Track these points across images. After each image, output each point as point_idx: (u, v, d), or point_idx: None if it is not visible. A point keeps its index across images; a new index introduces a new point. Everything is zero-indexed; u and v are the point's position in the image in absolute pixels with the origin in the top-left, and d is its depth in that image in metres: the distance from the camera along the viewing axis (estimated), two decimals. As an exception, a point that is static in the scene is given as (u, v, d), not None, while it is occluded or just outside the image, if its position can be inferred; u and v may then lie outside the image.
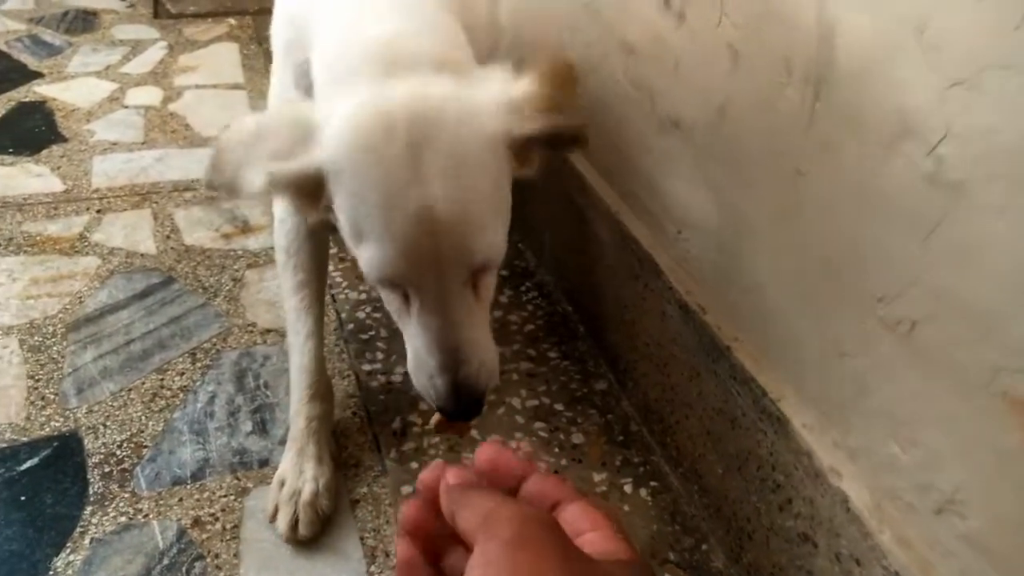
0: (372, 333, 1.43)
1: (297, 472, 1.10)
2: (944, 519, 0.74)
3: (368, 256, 0.81)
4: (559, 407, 1.30)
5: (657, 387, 1.22)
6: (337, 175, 0.80)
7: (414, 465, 1.19)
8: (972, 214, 0.66)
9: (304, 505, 1.06)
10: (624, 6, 1.21)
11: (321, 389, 1.18)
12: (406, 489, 1.15)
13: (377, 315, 1.47)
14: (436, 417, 1.00)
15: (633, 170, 1.25)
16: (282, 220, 1.25)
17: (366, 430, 1.24)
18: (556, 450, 1.23)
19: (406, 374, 0.88)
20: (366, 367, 1.36)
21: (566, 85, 0.86)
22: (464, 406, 0.87)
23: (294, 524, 1.06)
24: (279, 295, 1.30)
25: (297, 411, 1.15)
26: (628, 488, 1.18)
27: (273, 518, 1.08)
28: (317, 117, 0.83)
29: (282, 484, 1.09)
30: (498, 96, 0.83)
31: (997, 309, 0.65)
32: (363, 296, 1.52)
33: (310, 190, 0.83)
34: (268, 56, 2.49)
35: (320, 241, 1.26)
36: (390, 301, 0.88)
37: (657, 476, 1.20)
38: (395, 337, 1.42)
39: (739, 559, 1.05)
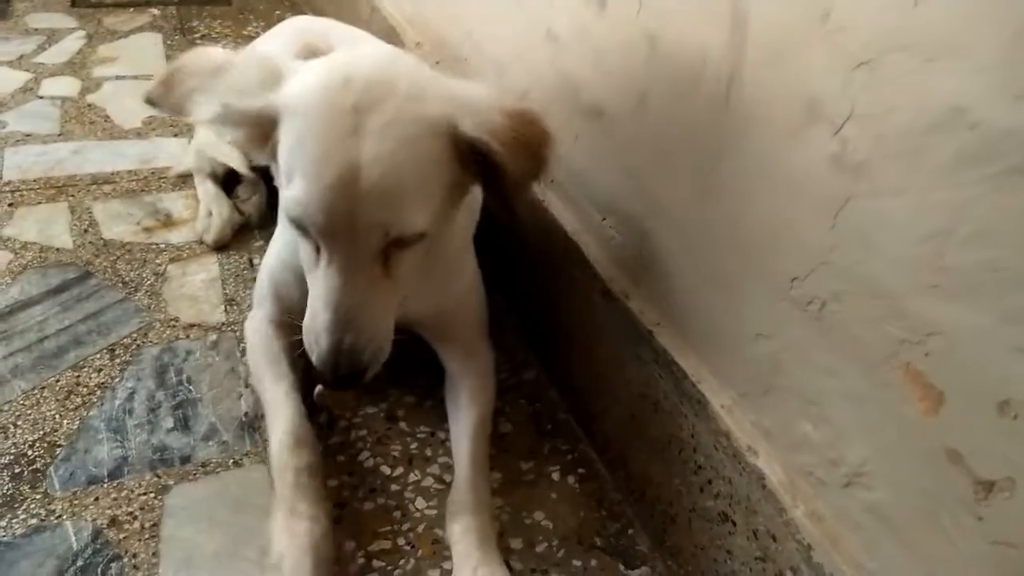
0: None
1: (291, 539, 0.96)
2: (851, 492, 0.76)
3: (291, 195, 0.84)
4: (488, 397, 1.30)
5: (583, 375, 1.23)
6: (288, 116, 0.86)
7: (341, 459, 1.17)
8: (873, 194, 0.69)
9: None
10: (548, -4, 1.21)
11: (307, 437, 1.07)
12: (332, 483, 1.13)
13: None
14: (320, 387, 1.01)
15: (560, 159, 1.25)
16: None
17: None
18: (485, 440, 1.23)
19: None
20: (292, 361, 1.33)
21: (533, 140, 0.91)
22: (343, 374, 0.88)
23: None
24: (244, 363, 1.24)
25: (283, 464, 1.03)
26: (556, 476, 1.18)
27: None
28: (287, 68, 0.90)
29: (281, 557, 0.95)
30: (460, 94, 0.89)
31: (897, 285, 0.68)
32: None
33: (261, 130, 0.89)
34: (192, 47, 2.43)
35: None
36: (304, 249, 0.90)
37: (584, 463, 1.21)
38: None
39: (663, 542, 1.06)
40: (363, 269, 0.86)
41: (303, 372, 1.16)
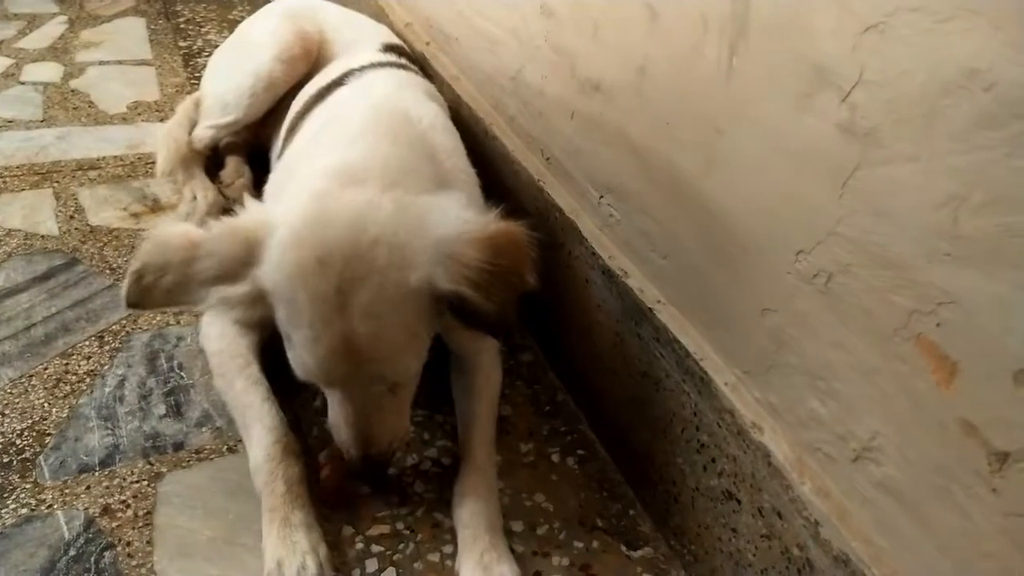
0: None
1: (291, 548, 0.95)
2: (861, 467, 0.75)
3: (295, 360, 0.92)
4: (486, 380, 1.28)
5: (582, 356, 1.21)
6: (276, 296, 0.89)
7: (337, 443, 1.15)
8: (884, 161, 0.67)
9: None
10: (542, -30, 1.19)
11: (292, 445, 1.06)
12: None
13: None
14: (325, 472, 1.07)
15: (556, 136, 1.23)
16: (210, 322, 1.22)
17: (287, 409, 1.20)
18: (483, 422, 1.21)
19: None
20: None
21: (508, 259, 0.89)
22: (372, 474, 1.00)
23: None
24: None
25: (272, 474, 1.01)
26: (556, 457, 1.17)
27: None
28: (260, 233, 0.90)
29: (280, 565, 0.94)
30: (437, 238, 0.88)
31: (908, 255, 0.66)
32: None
33: (256, 301, 0.94)
34: (177, 31, 2.40)
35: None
36: None
37: (584, 444, 1.19)
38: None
39: (666, 522, 1.05)
40: (373, 404, 0.94)
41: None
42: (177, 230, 0.92)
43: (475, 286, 0.87)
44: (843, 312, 0.74)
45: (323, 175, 0.96)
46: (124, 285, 0.90)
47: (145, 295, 0.90)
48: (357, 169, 0.95)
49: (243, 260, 0.89)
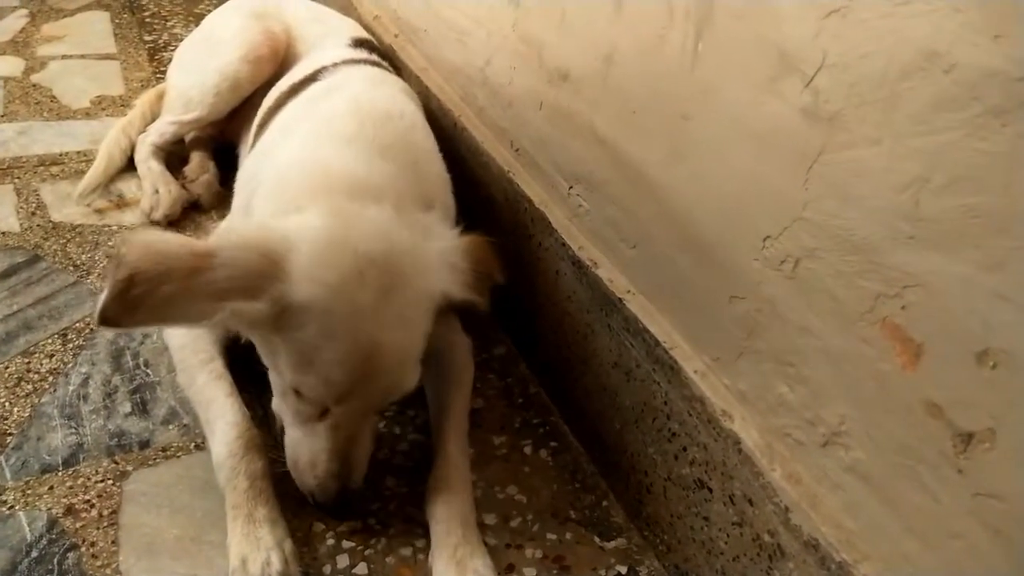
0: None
1: (255, 544, 0.94)
2: (830, 452, 0.75)
3: (314, 383, 0.90)
4: (458, 373, 1.27)
5: (553, 347, 1.21)
6: (309, 311, 0.87)
7: (307, 438, 1.14)
8: (848, 145, 0.67)
9: None
10: (509, -41, 1.18)
11: (256, 440, 1.03)
12: (299, 463, 1.10)
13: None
14: None
15: (525, 127, 1.23)
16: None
17: (255, 404, 1.18)
18: (455, 416, 1.20)
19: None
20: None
21: (485, 264, 1.02)
22: (346, 508, 1.00)
23: None
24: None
25: (234, 470, 0.99)
26: (528, 450, 1.16)
27: None
28: (280, 247, 0.87)
29: (244, 562, 0.93)
30: (440, 257, 0.97)
31: (873, 238, 0.66)
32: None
33: (267, 320, 0.87)
34: (143, 25, 2.36)
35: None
36: (302, 410, 0.96)
37: (556, 436, 1.19)
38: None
39: (639, 512, 1.05)
40: (367, 425, 0.99)
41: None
42: (173, 238, 0.88)
43: (472, 291, 0.99)
44: (810, 297, 0.74)
45: (331, 189, 0.97)
46: (104, 296, 0.79)
47: (129, 307, 0.80)
48: (366, 186, 0.98)
49: (265, 274, 0.85)
